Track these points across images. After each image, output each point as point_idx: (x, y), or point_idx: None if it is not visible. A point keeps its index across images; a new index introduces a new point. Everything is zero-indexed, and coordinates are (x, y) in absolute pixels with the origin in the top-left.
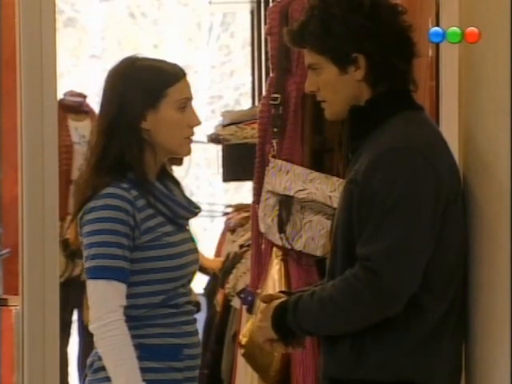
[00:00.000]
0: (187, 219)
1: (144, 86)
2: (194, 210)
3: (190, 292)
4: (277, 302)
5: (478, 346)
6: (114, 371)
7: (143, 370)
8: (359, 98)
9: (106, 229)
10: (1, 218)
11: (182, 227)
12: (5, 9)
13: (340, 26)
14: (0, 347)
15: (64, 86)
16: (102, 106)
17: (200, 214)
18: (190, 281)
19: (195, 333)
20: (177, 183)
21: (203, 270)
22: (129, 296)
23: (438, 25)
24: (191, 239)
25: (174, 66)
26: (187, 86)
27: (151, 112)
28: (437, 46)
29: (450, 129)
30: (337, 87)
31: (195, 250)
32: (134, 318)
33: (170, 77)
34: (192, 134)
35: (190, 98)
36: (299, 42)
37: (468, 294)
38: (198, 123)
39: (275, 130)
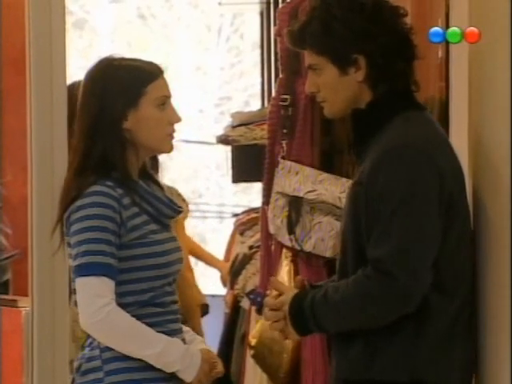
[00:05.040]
0: (170, 218)
1: (123, 86)
2: (177, 208)
3: (175, 291)
4: (288, 299)
5: (485, 345)
6: (138, 352)
7: (131, 370)
8: (360, 100)
9: (95, 226)
10: (10, 219)
11: (166, 226)
12: (13, 10)
13: (341, 26)
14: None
15: None
16: (82, 108)
17: (209, 215)
18: (174, 279)
19: (179, 331)
20: (157, 183)
21: None
22: (116, 295)
23: (447, 25)
24: (174, 238)
25: (151, 63)
26: (165, 84)
27: (132, 111)
28: (446, 46)
29: (459, 129)
30: (337, 88)
31: (179, 249)
32: None
33: (148, 75)
34: (173, 130)
35: (168, 96)
36: (300, 42)
37: (477, 295)
38: (178, 120)
39: (285, 131)
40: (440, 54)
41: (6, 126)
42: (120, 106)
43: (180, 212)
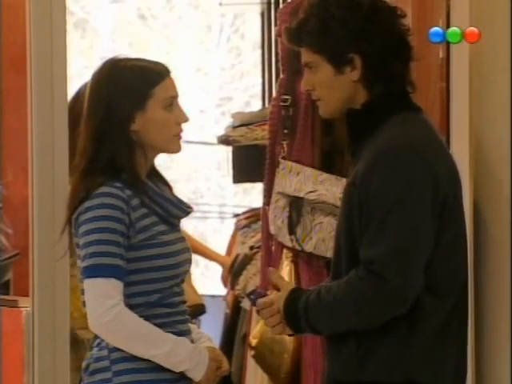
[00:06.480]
0: (180, 218)
1: (129, 88)
2: (186, 209)
3: (183, 291)
4: (284, 295)
5: (485, 345)
6: (147, 352)
7: (139, 370)
8: (355, 100)
9: (104, 227)
10: (10, 219)
11: (175, 226)
12: (13, 9)
13: (338, 25)
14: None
15: (74, 88)
16: (89, 110)
17: (210, 216)
18: (183, 280)
19: (188, 332)
20: (166, 183)
21: None
22: (125, 296)
23: (448, 25)
24: (184, 238)
25: (157, 63)
26: (172, 84)
27: (139, 114)
28: (447, 46)
29: (460, 130)
30: (332, 87)
31: (188, 249)
32: None
33: (155, 76)
34: (181, 130)
35: (175, 96)
36: (297, 40)
37: (476, 295)
38: (186, 120)
39: (285, 131)
40: (441, 54)
41: (6, 126)
42: (127, 108)
43: (189, 212)
